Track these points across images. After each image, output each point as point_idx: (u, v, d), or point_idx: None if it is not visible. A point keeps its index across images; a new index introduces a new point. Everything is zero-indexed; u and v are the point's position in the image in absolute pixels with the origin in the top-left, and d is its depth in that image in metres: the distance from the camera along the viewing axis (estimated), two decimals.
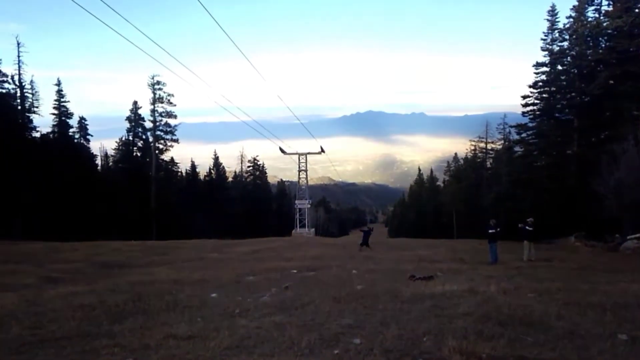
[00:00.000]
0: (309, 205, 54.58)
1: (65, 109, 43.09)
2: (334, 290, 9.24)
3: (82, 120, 46.50)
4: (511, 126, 43.12)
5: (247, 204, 62.58)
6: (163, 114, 47.72)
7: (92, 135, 47.45)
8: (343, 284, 10.17)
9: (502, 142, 48.42)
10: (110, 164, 52.16)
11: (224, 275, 12.52)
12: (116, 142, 49.50)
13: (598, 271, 13.25)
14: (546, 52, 35.05)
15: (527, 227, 17.11)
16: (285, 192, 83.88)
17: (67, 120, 43.35)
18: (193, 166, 61.88)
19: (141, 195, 44.69)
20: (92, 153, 47.70)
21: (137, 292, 9.25)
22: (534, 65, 35.64)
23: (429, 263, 16.02)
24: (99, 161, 50.88)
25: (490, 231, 17.04)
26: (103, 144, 53.81)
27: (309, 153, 53.68)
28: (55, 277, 13.13)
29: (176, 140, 49.38)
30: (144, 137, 48.99)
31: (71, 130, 44.50)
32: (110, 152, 51.77)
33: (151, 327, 6.25)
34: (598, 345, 4.99)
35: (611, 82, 29.09)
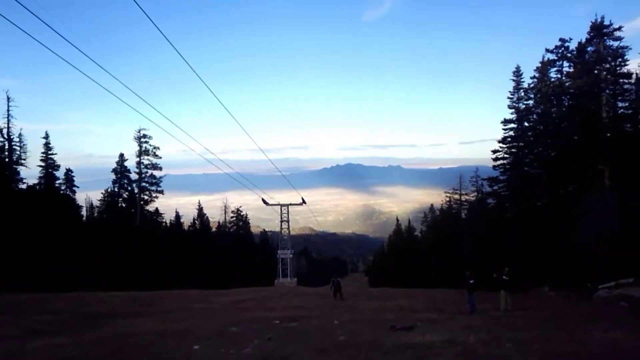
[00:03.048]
0: (291, 255, 54.78)
1: (52, 161, 43.66)
2: (316, 341, 9.31)
3: (68, 172, 46.85)
4: (483, 179, 44.78)
5: (230, 253, 62.59)
6: (149, 166, 48.37)
7: (78, 187, 47.67)
8: (325, 335, 10.24)
9: (475, 194, 49.99)
10: (96, 214, 51.89)
11: (208, 326, 12.42)
12: (102, 193, 49.73)
13: (572, 320, 13.58)
14: (513, 110, 36.84)
15: (503, 277, 17.49)
16: (268, 242, 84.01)
17: (54, 172, 43.85)
18: (177, 216, 62.08)
19: (126, 245, 44.31)
20: (78, 204, 47.80)
21: (120, 344, 9.15)
22: (502, 122, 37.33)
23: (409, 313, 16.17)
24: (84, 212, 50.73)
25: (470, 282, 17.37)
26: (89, 195, 53.97)
27: (290, 204, 54.60)
28: (39, 329, 12.83)
29: (161, 192, 49.73)
30: (129, 188, 49.40)
31: (57, 181, 44.80)
32: (96, 203, 51.82)
33: None
34: None
35: (575, 137, 30.39)
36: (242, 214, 71.24)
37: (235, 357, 7.90)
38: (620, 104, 31.01)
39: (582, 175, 29.70)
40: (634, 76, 29.90)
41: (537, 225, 31.40)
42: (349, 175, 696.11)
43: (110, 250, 42.01)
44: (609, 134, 29.34)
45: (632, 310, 15.98)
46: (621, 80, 30.31)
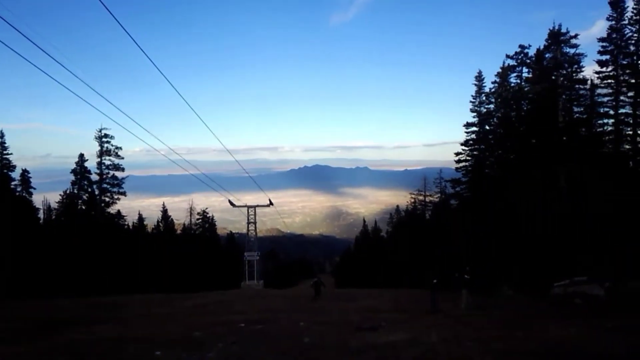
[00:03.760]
0: (257, 257, 54.21)
1: (7, 162, 41.71)
2: (282, 343, 9.20)
3: (24, 172, 44.46)
4: (446, 180, 45.83)
5: (196, 256, 60.97)
6: (110, 167, 46.66)
7: (35, 188, 45.37)
8: (290, 337, 10.14)
9: (439, 195, 51.12)
10: (54, 217, 49.23)
11: (171, 331, 12.10)
12: (60, 195, 47.48)
13: (530, 318, 13.97)
14: (475, 114, 37.97)
15: (465, 277, 17.83)
16: (235, 244, 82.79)
17: (9, 173, 41.78)
18: (140, 219, 60.17)
19: (86, 249, 42.44)
20: (35, 206, 45.31)
21: (80, 352, 8.71)
22: (464, 125, 38.43)
23: (374, 313, 16.25)
24: (41, 215, 47.91)
25: (434, 281, 17.63)
26: (47, 197, 50.86)
27: (257, 206, 54.28)
28: None
29: (123, 193, 47.90)
30: (89, 190, 47.33)
31: (13, 183, 42.56)
32: (54, 205, 49.14)
33: None
34: None
35: (533, 141, 31.38)
36: (208, 215, 69.83)
37: None
38: (575, 109, 32.34)
39: (539, 178, 30.84)
40: (589, 82, 31.29)
41: (496, 226, 32.36)
42: (317, 176, 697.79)
43: (69, 254, 40.28)
44: (565, 138, 30.61)
45: (586, 307, 16.65)
46: (577, 86, 31.70)
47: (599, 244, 24.49)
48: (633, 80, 28.98)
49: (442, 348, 8.15)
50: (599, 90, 30.75)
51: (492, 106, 37.55)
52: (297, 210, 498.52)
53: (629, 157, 29.76)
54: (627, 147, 29.98)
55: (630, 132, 29.60)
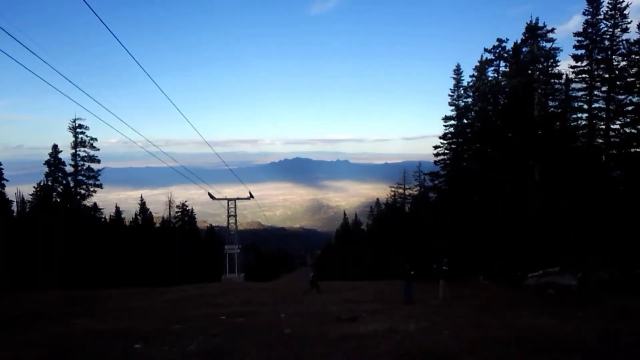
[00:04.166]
0: (238, 250, 54.45)
1: None
2: (263, 335, 9.27)
3: None
4: (425, 174, 46.40)
5: (175, 250, 60.23)
6: (85, 158, 45.78)
7: (7, 180, 44.10)
8: (271, 329, 10.22)
9: (418, 188, 51.76)
10: (28, 209, 47.96)
11: (150, 325, 12.02)
12: (34, 187, 46.25)
13: (504, 308, 14.34)
14: (453, 107, 38.43)
15: (443, 267, 18.21)
16: (215, 237, 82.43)
17: None
18: (118, 212, 59.46)
19: (61, 242, 41.47)
20: (8, 199, 44.22)
21: (56, 346, 8.56)
22: (443, 119, 38.94)
23: (354, 304, 16.47)
24: (15, 207, 46.77)
25: (411, 272, 17.97)
26: (20, 189, 49.59)
27: (238, 198, 54.15)
28: None
29: (99, 186, 47.17)
30: (64, 182, 46.33)
31: None
32: (28, 197, 47.96)
33: None
34: None
35: (509, 134, 31.87)
36: (187, 208, 69.40)
37: (178, 355, 7.67)
38: (551, 103, 33.01)
39: (514, 171, 31.51)
40: (564, 77, 31.93)
41: (473, 219, 33.00)
42: (298, 169, 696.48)
43: (45, 247, 39.35)
44: (540, 132, 31.27)
45: (558, 297, 17.20)
46: (552, 80, 32.30)
47: (572, 237, 25.30)
48: (607, 75, 29.60)
49: (419, 337, 8.36)
50: (573, 85, 31.38)
51: (470, 100, 38.05)
52: (278, 204, 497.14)
53: (602, 151, 30.52)
54: (600, 141, 30.66)
55: (603, 127, 30.28)
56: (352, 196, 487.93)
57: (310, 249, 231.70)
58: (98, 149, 46.50)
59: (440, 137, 38.93)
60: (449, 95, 38.83)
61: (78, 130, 45.07)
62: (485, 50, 35.42)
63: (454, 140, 38.43)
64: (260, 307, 16.21)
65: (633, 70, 30.28)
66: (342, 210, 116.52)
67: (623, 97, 29.88)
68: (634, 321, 9.54)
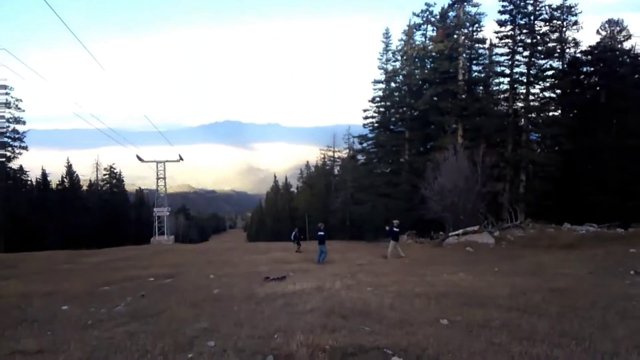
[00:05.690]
0: (167, 213, 54.15)
1: None
2: (191, 295, 9.25)
3: None
4: (354, 137, 47.11)
5: (103, 213, 60.07)
6: (10, 120, 44.12)
7: None
8: (200, 289, 10.25)
9: (347, 151, 52.67)
10: None
11: (77, 287, 11.58)
12: None
13: (425, 265, 15.06)
14: (382, 71, 38.69)
15: (394, 229, 18.77)
16: (144, 200, 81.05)
17: None
18: (44, 175, 56.98)
19: None
20: None
21: None
22: (372, 82, 39.15)
23: (283, 264, 16.58)
24: None
25: (320, 234, 18.63)
26: None
27: (167, 161, 53.71)
28: None
29: (25, 148, 45.93)
30: None
31: None
32: None
33: None
34: (424, 330, 5.69)
35: (435, 99, 32.65)
36: (115, 171, 68.44)
37: (106, 316, 7.45)
38: (475, 68, 34.08)
39: (439, 134, 32.80)
40: (487, 42, 32.91)
41: (400, 180, 34.27)
42: (228, 132, 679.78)
43: None
44: (464, 96, 32.54)
45: (476, 254, 18.51)
46: (476, 45, 33.16)
47: (493, 196, 27.20)
48: (529, 40, 30.74)
49: (344, 293, 8.54)
50: (497, 50, 32.26)
51: (398, 64, 38.43)
52: (208, 166, 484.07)
53: (521, 115, 32.14)
54: (520, 105, 32.07)
55: (524, 91, 31.65)
56: (283, 159, 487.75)
57: (241, 211, 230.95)
58: (24, 110, 45.23)
59: (369, 101, 39.23)
60: (378, 58, 39.03)
61: (1, 91, 42.23)
62: (414, 14, 35.56)
63: (382, 103, 38.80)
64: (189, 269, 15.95)
65: (554, 36, 32.03)
66: (272, 173, 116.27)
67: (544, 62, 31.49)
68: (544, 277, 10.47)
